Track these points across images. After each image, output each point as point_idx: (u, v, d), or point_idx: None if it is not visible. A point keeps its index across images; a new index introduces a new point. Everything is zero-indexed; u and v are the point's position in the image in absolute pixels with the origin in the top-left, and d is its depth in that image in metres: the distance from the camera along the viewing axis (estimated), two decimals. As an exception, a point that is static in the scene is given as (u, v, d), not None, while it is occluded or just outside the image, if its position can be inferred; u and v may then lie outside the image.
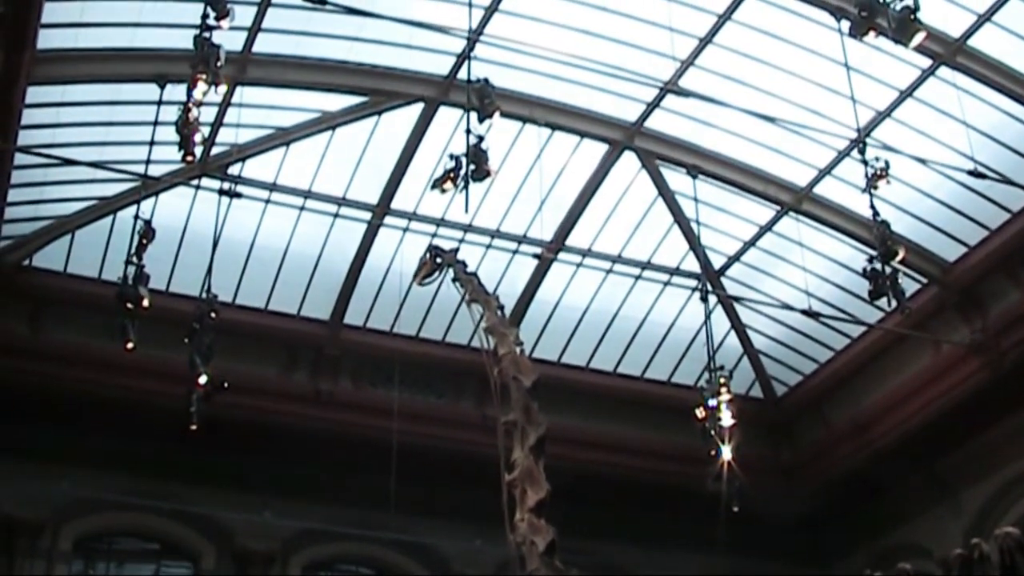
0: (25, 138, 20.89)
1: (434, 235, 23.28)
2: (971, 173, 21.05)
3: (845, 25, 18.79)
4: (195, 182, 22.51)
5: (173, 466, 23.75)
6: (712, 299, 24.46)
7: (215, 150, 22.35)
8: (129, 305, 18.74)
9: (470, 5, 18.43)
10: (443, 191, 17.95)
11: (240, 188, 21.72)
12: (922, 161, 21.91)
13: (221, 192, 21.24)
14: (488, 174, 17.36)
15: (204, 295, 19.91)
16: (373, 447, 22.63)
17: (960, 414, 23.91)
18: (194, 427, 19.92)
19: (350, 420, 24.42)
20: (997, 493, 24.50)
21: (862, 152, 19.39)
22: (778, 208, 24.43)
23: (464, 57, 19.74)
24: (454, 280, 15.01)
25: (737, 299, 25.82)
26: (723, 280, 25.82)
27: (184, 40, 16.92)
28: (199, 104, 16.62)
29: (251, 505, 24.41)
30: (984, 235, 23.51)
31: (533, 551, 11.86)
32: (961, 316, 24.08)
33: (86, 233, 23.26)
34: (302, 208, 23.52)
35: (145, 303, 18.80)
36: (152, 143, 20.65)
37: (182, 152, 16.99)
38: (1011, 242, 23.05)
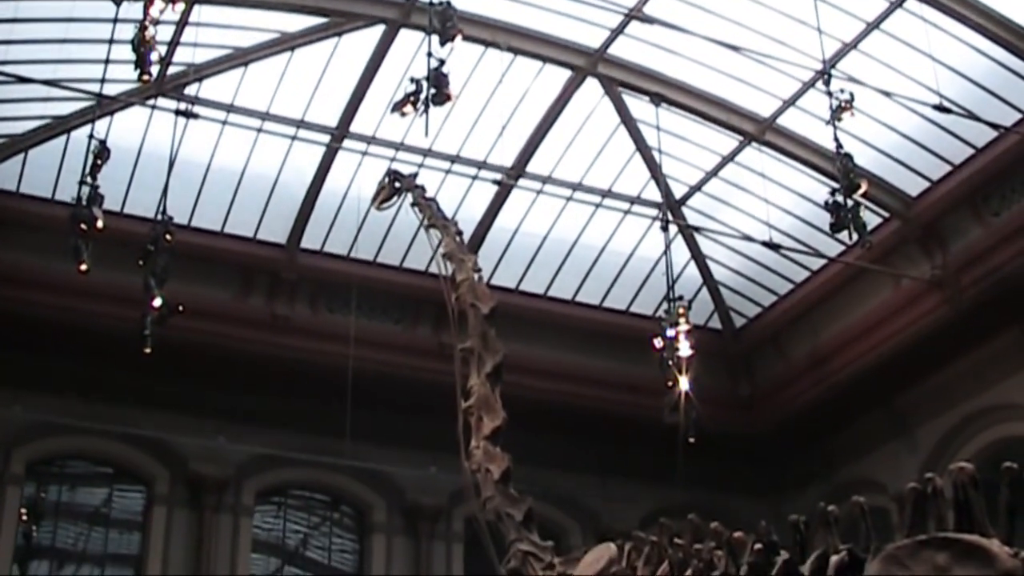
0: (-24, 55, 20.55)
1: (393, 159, 22.98)
2: (937, 108, 20.96)
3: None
4: (151, 102, 22.12)
5: (126, 390, 23.59)
6: (672, 229, 24.34)
7: (172, 70, 21.96)
8: (83, 226, 18.41)
9: (432, -74, 18.10)
10: (403, 115, 17.74)
11: (197, 109, 21.36)
12: (887, 94, 21.77)
13: (177, 112, 20.86)
14: (448, 98, 17.16)
15: (159, 217, 19.60)
16: (329, 373, 22.55)
17: (919, 350, 23.94)
18: (148, 351, 19.70)
19: (306, 345, 24.28)
20: (953, 429, 24.59)
21: (827, 84, 19.25)
22: (741, 138, 24.28)
23: (426, -22, 19.43)
24: (413, 205, 14.84)
25: (697, 229, 25.71)
26: (684, 210, 25.70)
27: (141, -44, 16.59)
28: (156, 22, 16.36)
29: (205, 430, 24.28)
30: (948, 170, 23.45)
31: (488, 479, 11.81)
32: (922, 251, 24.06)
33: (39, 153, 22.89)
34: (260, 130, 23.21)
35: (99, 224, 18.47)
36: (107, 62, 20.19)
37: (138, 71, 16.69)
38: (974, 178, 23.01)
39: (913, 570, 6.57)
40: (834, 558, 7.07)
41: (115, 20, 19.72)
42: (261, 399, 24.52)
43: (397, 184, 15.08)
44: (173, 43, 21.30)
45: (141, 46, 16.35)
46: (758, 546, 7.72)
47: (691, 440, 21.43)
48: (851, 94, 19.01)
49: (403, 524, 25.89)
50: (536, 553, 11.32)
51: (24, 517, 23.78)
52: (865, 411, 25.74)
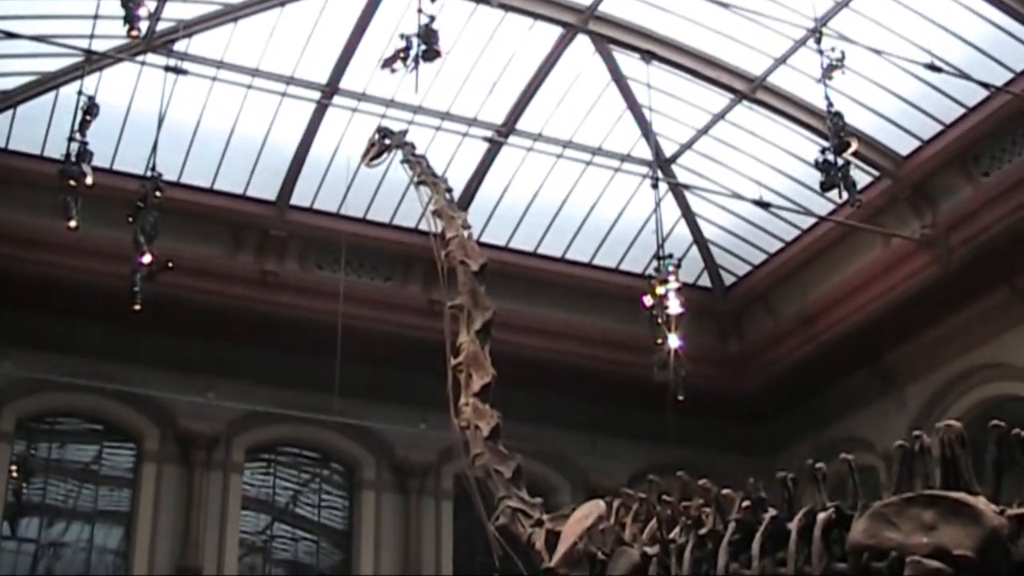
0: (-36, 10, 20.41)
1: (383, 116, 22.87)
2: (928, 67, 20.93)
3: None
4: (140, 58, 22.00)
5: (116, 347, 23.60)
6: (662, 187, 24.31)
7: (161, 26, 21.83)
8: (72, 183, 18.37)
9: None
10: (393, 71, 17.68)
11: (186, 65, 21.25)
12: (878, 53, 21.71)
13: (167, 69, 20.72)
14: (439, 55, 17.13)
15: (148, 174, 19.54)
16: (319, 330, 22.54)
17: (908, 309, 23.99)
18: (138, 307, 19.70)
19: (296, 302, 24.28)
20: (942, 388, 24.68)
21: (818, 42, 19.22)
22: (732, 97, 24.22)
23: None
24: (403, 162, 14.78)
25: (687, 187, 25.66)
26: (674, 168, 25.67)
27: (130, -91, 16.48)
28: (145, -22, 16.27)
29: (195, 387, 24.28)
30: (938, 129, 23.42)
31: (477, 436, 11.82)
32: (912, 210, 24.06)
33: (28, 109, 22.77)
34: (249, 87, 23.08)
35: (88, 181, 18.44)
36: (96, 17, 20.09)
37: (127, 27, 16.62)
38: (965, 137, 22.99)
39: (900, 527, 6.60)
40: (821, 515, 7.10)
41: (104, -25, 19.71)
42: (251, 356, 24.53)
43: (387, 141, 15.01)
44: (162, -1, 21.22)
45: (130, 2, 16.27)
46: (746, 503, 7.75)
47: (680, 398, 21.48)
48: (842, 52, 18.97)
49: (392, 481, 25.95)
50: (525, 510, 11.35)
51: (14, 474, 23.80)
52: (854, 369, 25.82)
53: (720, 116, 24.67)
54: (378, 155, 15.18)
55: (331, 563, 26.28)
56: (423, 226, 16.09)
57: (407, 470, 25.82)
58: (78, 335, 23.38)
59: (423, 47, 16.76)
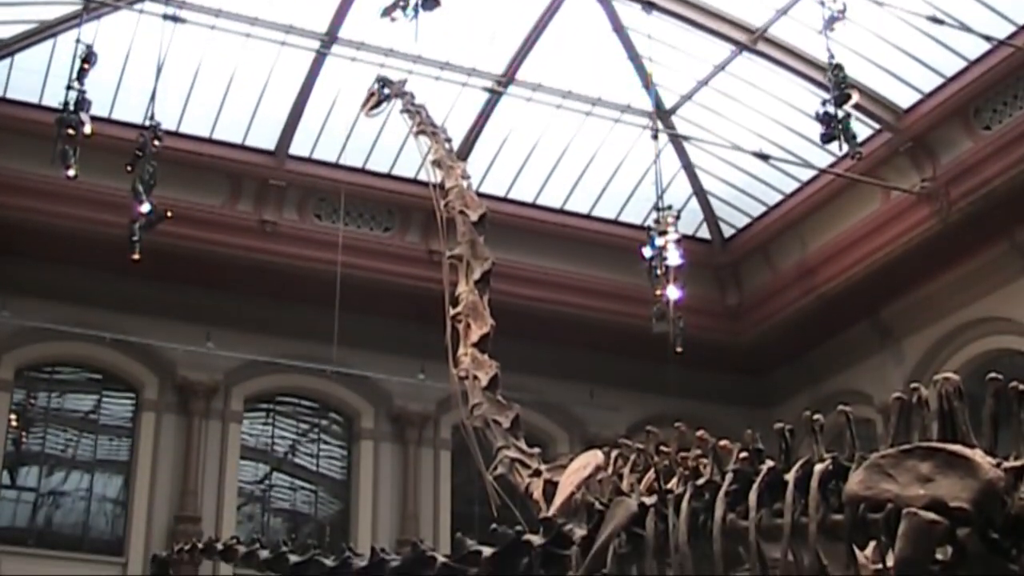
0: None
1: (382, 66, 22.76)
2: (930, 19, 20.83)
3: None
4: (138, 6, 21.91)
5: (115, 296, 23.62)
6: (662, 138, 24.22)
7: (159, -27, 21.75)
8: (70, 131, 18.33)
9: None
10: (392, 20, 17.60)
11: (184, 13, 21.25)
12: (880, 4, 21.60)
13: (165, 17, 20.70)
14: (438, 4, 17.11)
15: (147, 123, 19.50)
16: (317, 280, 22.60)
17: (907, 262, 23.98)
18: (136, 257, 19.71)
19: (294, 252, 24.26)
20: (940, 342, 24.69)
21: (820, -7, 19.16)
22: (733, 48, 24.11)
23: None
24: (402, 112, 14.74)
25: (687, 138, 25.61)
26: (674, 119, 25.60)
27: None
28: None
29: (194, 336, 24.31)
30: (939, 83, 23.33)
31: (476, 386, 11.84)
32: (912, 163, 24.00)
33: (25, 57, 22.71)
34: (248, 36, 23.00)
35: (86, 129, 18.41)
36: (95, -36, 20.07)
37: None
38: (966, 90, 22.90)
39: (897, 479, 6.60)
40: (818, 466, 7.10)
41: (102, -79, 19.60)
42: (250, 305, 24.56)
43: (386, 91, 14.97)
44: (160, -55, 21.10)
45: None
46: (743, 454, 7.75)
47: (679, 349, 21.51)
48: (844, 4, 18.91)
49: (391, 431, 26.01)
50: (523, 460, 11.37)
51: (13, 423, 23.88)
52: (852, 322, 25.83)
53: (721, 67, 24.58)
54: (377, 105, 15.14)
55: (329, 512, 26.39)
56: (422, 176, 16.11)
57: (405, 420, 25.87)
58: (77, 284, 23.39)
59: (423, -4, 16.69)
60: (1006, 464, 6.46)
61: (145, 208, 19.33)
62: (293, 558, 10.97)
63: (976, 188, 22.83)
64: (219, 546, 12.70)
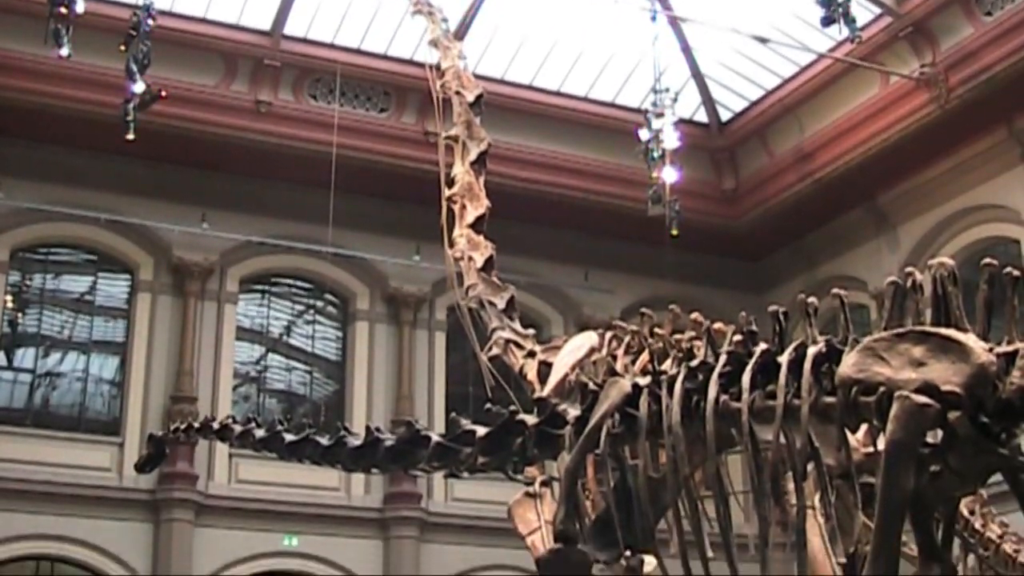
0: None
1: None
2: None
3: None
4: None
5: (110, 177, 23.56)
6: (661, 19, 23.97)
7: None
8: (63, 10, 18.12)
9: None
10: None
11: None
12: None
13: None
14: None
15: (141, 2, 19.26)
16: (313, 161, 22.53)
17: (904, 148, 23.89)
18: (131, 137, 19.64)
19: (290, 133, 24.11)
20: (935, 228, 24.72)
21: None
22: (733, -72, 23.83)
23: None
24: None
25: (686, 20, 25.35)
26: (673, 1, 25.31)
27: None
28: None
29: (189, 217, 24.27)
30: (941, -35, 23.11)
31: (471, 267, 11.85)
32: (912, 49, 23.80)
33: (17, -66, 22.39)
34: (242, -88, 22.73)
35: (79, 8, 18.22)
36: None
37: None
38: (968, -26, 22.70)
39: (889, 362, 6.62)
40: (812, 349, 7.12)
41: None
42: (245, 186, 24.50)
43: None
44: None
45: None
46: (737, 337, 7.77)
47: (674, 233, 21.52)
48: None
49: (386, 312, 26.08)
50: (517, 341, 11.42)
51: (9, 305, 23.92)
52: (848, 208, 25.82)
53: (721, -53, 24.29)
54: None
55: (324, 393, 26.55)
56: (419, 57, 16.00)
57: (401, 301, 25.92)
58: (71, 165, 23.30)
59: None
60: (998, 349, 6.48)
61: (139, 88, 19.22)
62: (288, 437, 11.03)
63: (975, 75, 22.68)
64: (215, 425, 12.77)
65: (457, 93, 12.81)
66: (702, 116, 27.41)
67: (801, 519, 7.63)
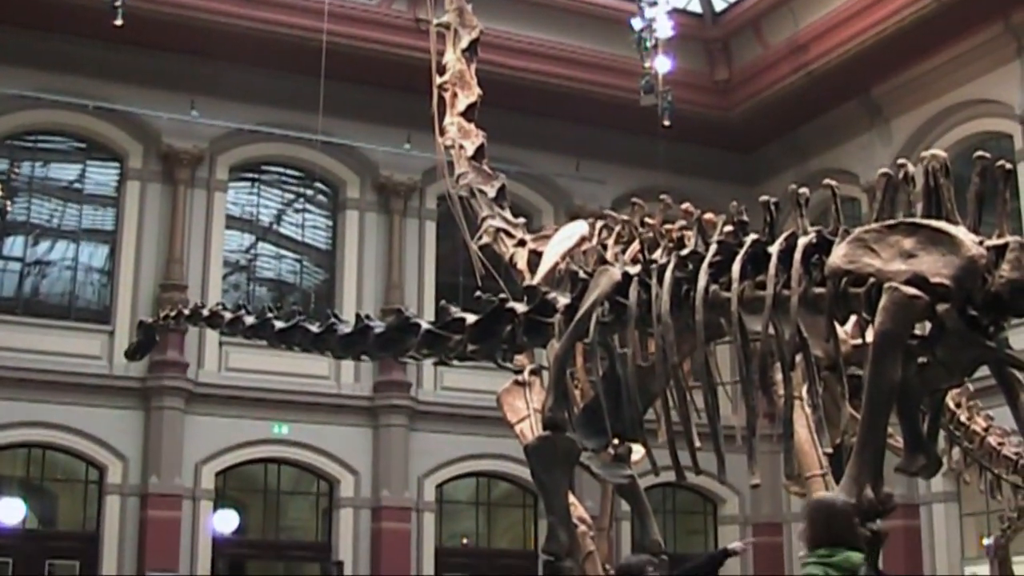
0: None
1: None
2: None
3: None
4: None
5: (98, 64, 23.31)
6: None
7: None
8: None
9: None
10: None
11: None
12: None
13: None
14: None
15: None
16: (303, 48, 22.29)
17: (899, 41, 23.65)
18: (119, 23, 19.44)
19: (279, 19, 23.75)
20: (928, 123, 24.61)
21: None
22: None
23: None
24: None
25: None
26: None
27: None
28: None
29: (179, 105, 24.04)
30: None
31: (462, 155, 11.81)
32: (909, -62, 23.58)
33: None
34: None
35: None
36: None
37: None
38: None
39: (880, 254, 6.63)
40: (802, 239, 7.12)
41: None
42: (234, 73, 24.26)
43: None
44: None
45: None
46: (728, 227, 7.77)
47: (666, 123, 21.42)
48: None
49: (376, 201, 25.99)
50: (508, 229, 11.41)
51: (-2, 192, 23.80)
52: (842, 101, 25.67)
53: None
54: None
55: (314, 282, 26.55)
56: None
57: (391, 190, 25.82)
58: (59, 51, 23.03)
59: None
60: (988, 242, 6.48)
61: (126, -28, 19.00)
62: (278, 324, 11.06)
63: (973, -35, 22.48)
64: (204, 312, 12.81)
65: (449, -22, 12.68)
66: (696, 6, 27.13)
67: (788, 410, 7.68)
